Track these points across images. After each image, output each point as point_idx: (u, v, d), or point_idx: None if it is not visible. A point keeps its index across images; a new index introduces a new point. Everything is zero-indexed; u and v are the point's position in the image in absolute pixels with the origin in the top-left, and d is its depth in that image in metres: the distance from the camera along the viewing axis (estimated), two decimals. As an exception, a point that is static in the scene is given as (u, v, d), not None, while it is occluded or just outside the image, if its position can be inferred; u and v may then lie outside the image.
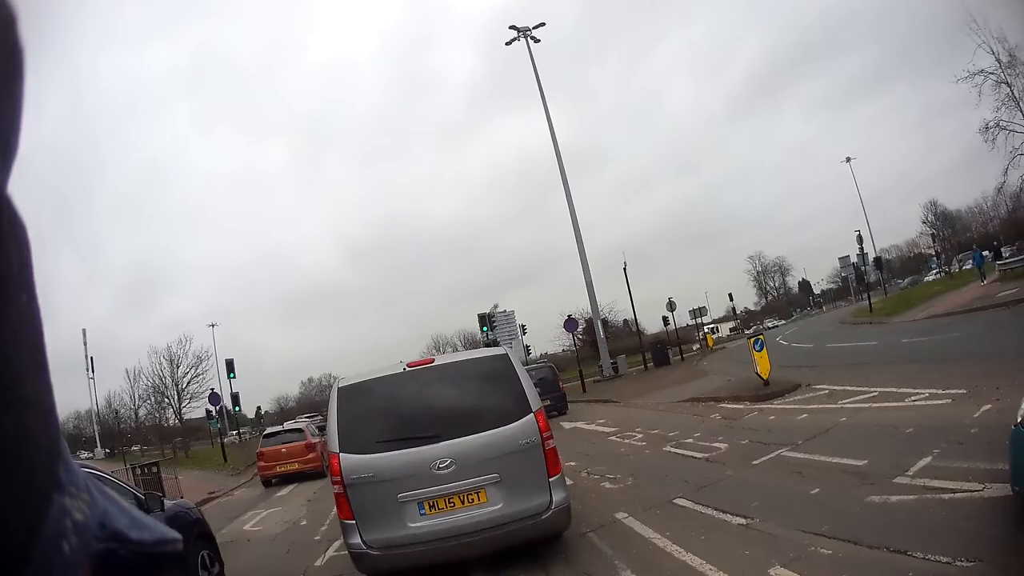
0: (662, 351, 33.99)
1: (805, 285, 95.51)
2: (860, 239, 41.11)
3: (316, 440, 15.94)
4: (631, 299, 34.93)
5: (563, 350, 63.63)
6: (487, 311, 34.86)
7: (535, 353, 56.21)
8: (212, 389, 34.05)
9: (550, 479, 4.99)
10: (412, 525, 4.80)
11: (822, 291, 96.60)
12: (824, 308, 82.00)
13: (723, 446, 8.77)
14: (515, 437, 4.97)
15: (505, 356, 5.50)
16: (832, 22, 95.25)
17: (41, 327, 0.40)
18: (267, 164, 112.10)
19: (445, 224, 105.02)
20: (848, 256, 53.98)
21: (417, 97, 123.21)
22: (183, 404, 38.84)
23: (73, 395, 41.29)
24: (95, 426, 45.46)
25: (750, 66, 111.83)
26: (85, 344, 41.53)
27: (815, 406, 10.20)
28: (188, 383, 40.84)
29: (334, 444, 4.96)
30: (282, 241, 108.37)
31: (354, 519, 4.85)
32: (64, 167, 79.14)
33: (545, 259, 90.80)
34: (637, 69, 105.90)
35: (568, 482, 5.76)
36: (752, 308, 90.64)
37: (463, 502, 4.83)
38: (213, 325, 57.84)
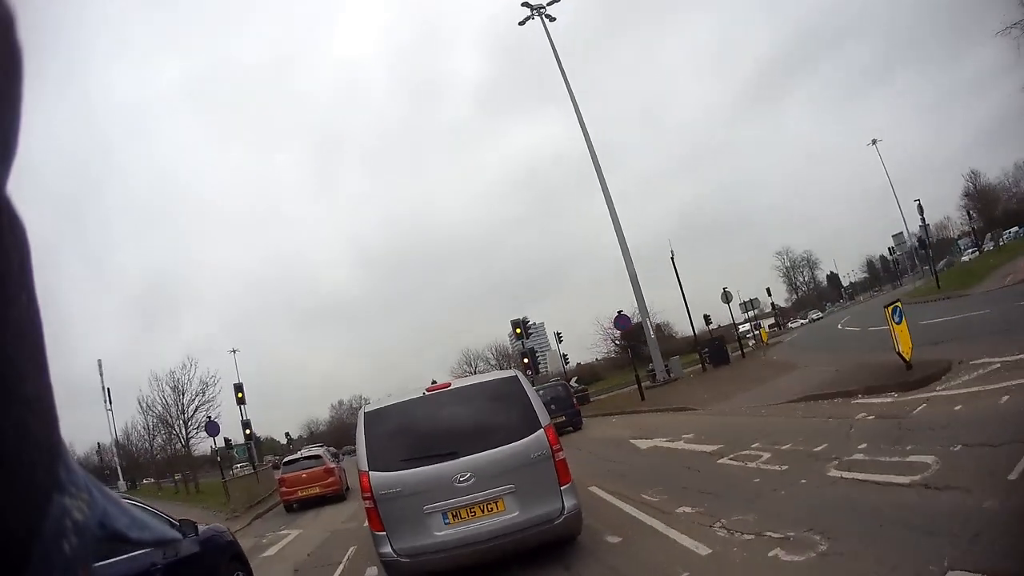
0: (720, 349, 30.74)
1: (834, 278, 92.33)
2: (921, 208, 37.36)
3: (334, 465, 17.00)
4: (682, 292, 31.66)
5: (596, 359, 60.76)
6: (520, 317, 31.99)
7: (572, 363, 53.43)
8: (209, 416, 30.88)
9: (561, 487, 5.46)
10: (438, 534, 5.25)
11: (851, 283, 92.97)
12: (860, 298, 77.76)
13: (929, 459, 5.73)
14: (528, 451, 5.45)
15: (515, 378, 6.02)
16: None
17: (41, 327, 0.40)
18: (281, 173, 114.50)
19: (463, 229, 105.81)
20: (901, 233, 50.68)
21: (429, 103, 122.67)
22: (190, 434, 36.32)
23: (97, 425, 39.35)
24: (116, 458, 43.36)
25: (760, 61, 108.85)
26: (101, 375, 38.85)
27: (1005, 384, 7.42)
28: (195, 411, 38.45)
29: (363, 463, 5.46)
30: (303, 255, 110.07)
31: (384, 530, 5.32)
32: (77, 177, 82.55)
33: (570, 265, 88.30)
34: (647, 67, 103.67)
35: (702, 550, 5.18)
36: (782, 304, 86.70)
37: (483, 511, 5.29)
38: (234, 351, 56.22)
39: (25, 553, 0.36)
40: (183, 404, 38.39)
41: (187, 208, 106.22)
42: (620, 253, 28.77)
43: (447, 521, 5.31)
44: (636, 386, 31.61)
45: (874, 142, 56.71)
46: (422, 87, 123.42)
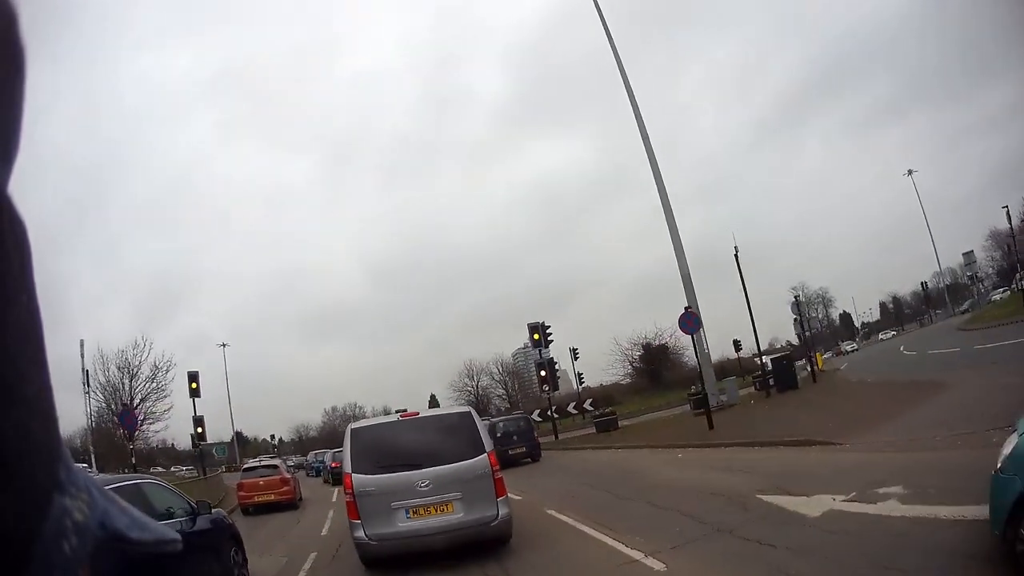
0: (788, 370, 24.20)
1: (846, 317, 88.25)
2: (1008, 215, 31.19)
3: (289, 476, 17.60)
4: (746, 297, 24.79)
5: (604, 384, 54.21)
6: (539, 321, 25.63)
7: (588, 381, 47.10)
8: (125, 405, 24.98)
9: (498, 499, 6.81)
10: (400, 525, 6.65)
11: (863, 323, 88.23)
12: (881, 336, 74.20)
13: None
14: (474, 469, 6.79)
15: (469, 413, 7.48)
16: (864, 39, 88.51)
17: (41, 327, 0.40)
18: (291, 177, 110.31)
19: (473, 246, 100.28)
20: (971, 251, 44.73)
21: (445, 118, 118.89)
22: (139, 426, 29.88)
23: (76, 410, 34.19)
24: (90, 445, 37.24)
25: (776, 91, 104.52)
26: (82, 356, 33.04)
27: None
28: (142, 400, 31.56)
29: (348, 467, 6.88)
30: (304, 258, 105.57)
31: (360, 519, 6.70)
32: (83, 175, 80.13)
33: (579, 288, 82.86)
34: (665, 94, 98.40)
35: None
36: (793, 342, 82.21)
37: (436, 511, 6.68)
38: (224, 345, 51.64)
39: (25, 553, 0.36)
40: (130, 389, 32.43)
41: (195, 208, 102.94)
42: (625, 280, 22.53)
43: (408, 516, 6.68)
44: (692, 409, 25.34)
45: (909, 172, 52.76)
46: (440, 101, 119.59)
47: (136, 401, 30.84)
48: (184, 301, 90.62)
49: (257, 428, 73.05)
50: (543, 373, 26.99)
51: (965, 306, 59.07)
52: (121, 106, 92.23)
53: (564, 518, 8.50)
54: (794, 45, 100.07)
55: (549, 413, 29.65)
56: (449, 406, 11.69)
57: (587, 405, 36.33)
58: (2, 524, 0.35)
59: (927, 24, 68.67)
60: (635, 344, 51.34)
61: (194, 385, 25.06)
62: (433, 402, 66.97)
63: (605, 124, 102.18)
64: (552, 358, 28.64)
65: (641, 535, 6.71)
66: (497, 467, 6.94)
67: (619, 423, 26.00)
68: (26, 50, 0.36)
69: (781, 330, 75.04)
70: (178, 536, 0.52)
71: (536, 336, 26.51)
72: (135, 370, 32.80)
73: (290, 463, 27.32)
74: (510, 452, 18.80)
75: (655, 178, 23.02)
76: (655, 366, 51.50)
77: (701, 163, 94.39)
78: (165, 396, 32.83)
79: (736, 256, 24.48)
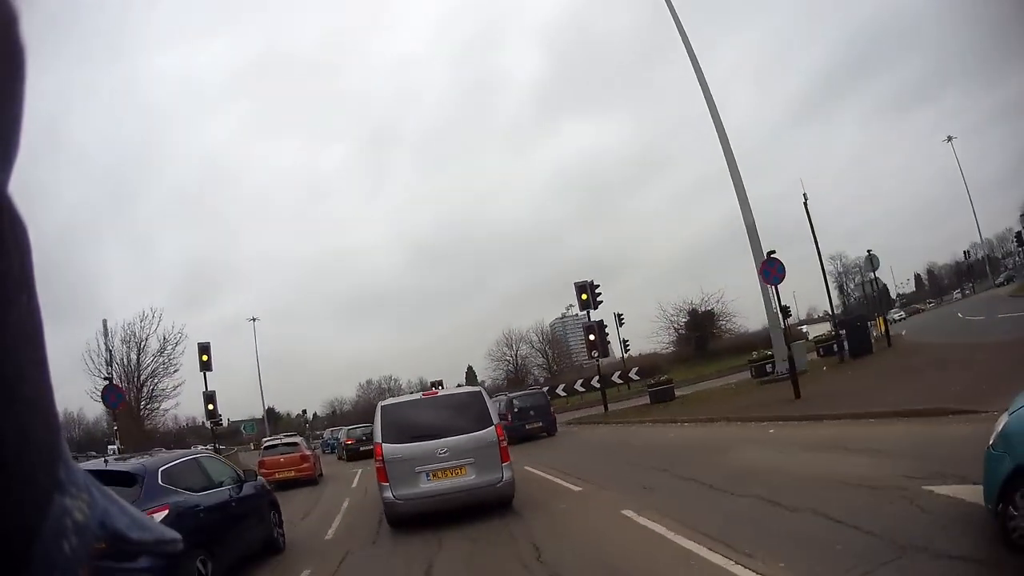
0: (862, 333, 21.56)
1: (883, 288, 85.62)
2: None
3: (309, 452, 18.17)
4: (817, 250, 22.02)
5: (648, 352, 51.89)
6: (587, 280, 23.37)
7: (634, 350, 45.10)
8: (108, 379, 22.83)
9: (503, 464, 7.94)
10: (423, 486, 7.78)
11: (898, 293, 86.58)
12: (921, 306, 71.23)
13: None
14: (484, 438, 7.94)
15: (479, 392, 8.73)
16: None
17: (41, 327, 0.40)
18: (329, 162, 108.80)
19: (510, 225, 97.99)
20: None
21: (484, 99, 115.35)
22: (144, 404, 28.26)
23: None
24: (114, 423, 36.60)
25: (811, 71, 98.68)
26: (106, 336, 30.89)
27: None
28: (151, 374, 29.69)
29: (378, 437, 8.00)
30: (344, 241, 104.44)
31: (388, 482, 7.81)
32: (123, 163, 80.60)
33: (616, 262, 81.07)
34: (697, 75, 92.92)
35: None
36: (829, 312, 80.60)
37: (452, 474, 7.81)
38: (254, 319, 50.44)
39: (25, 553, 0.36)
40: (137, 364, 30.26)
41: (234, 196, 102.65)
42: (665, 254, 19.83)
43: (429, 478, 7.80)
44: (753, 377, 23.26)
45: (949, 139, 49.85)
46: (477, 82, 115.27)
47: (143, 377, 29.01)
48: (223, 287, 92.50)
49: (296, 404, 73.80)
50: (591, 337, 24.24)
51: (1001, 278, 58.76)
52: (155, 98, 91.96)
53: (653, 527, 6.08)
54: (828, 27, 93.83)
55: (597, 381, 27.63)
56: (463, 386, 12.51)
57: (633, 374, 34.36)
58: (2, 524, 0.35)
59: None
60: (680, 310, 48.74)
61: (205, 357, 23.18)
62: (470, 374, 66.94)
63: (642, 101, 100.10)
64: (602, 320, 25.75)
65: (782, 559, 4.56)
66: (503, 437, 8.15)
67: (675, 393, 23.71)
68: (26, 50, 0.36)
69: (818, 298, 72.38)
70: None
71: (584, 296, 23.82)
72: (143, 343, 30.63)
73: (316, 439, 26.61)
74: (527, 427, 19.37)
75: (715, 123, 20.44)
76: (702, 333, 48.85)
77: (737, 143, 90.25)
78: (175, 370, 30.85)
79: (805, 204, 21.82)
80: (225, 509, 6.63)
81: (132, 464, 6.19)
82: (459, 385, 18.03)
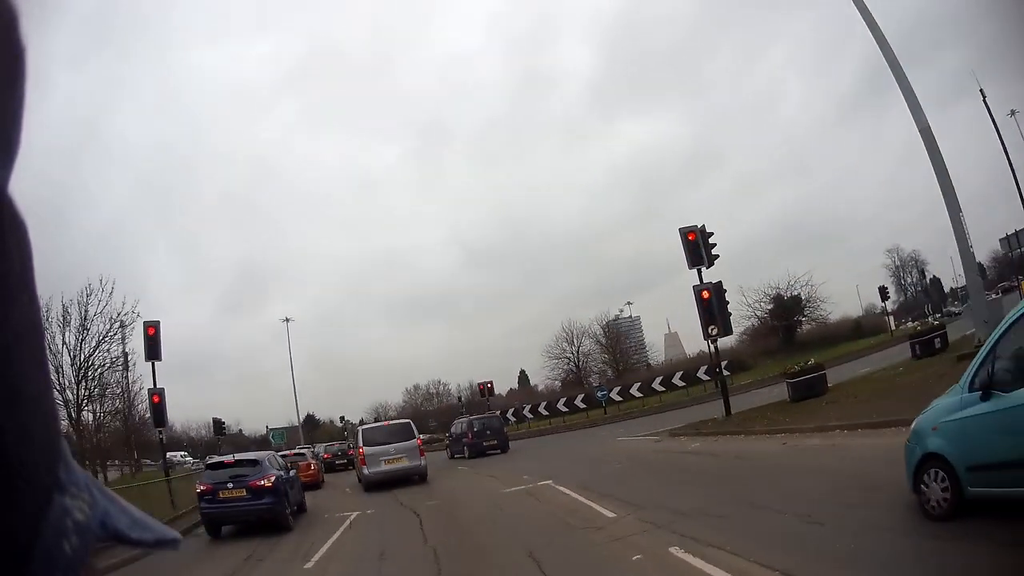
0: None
1: (936, 282, 79.32)
2: None
3: (313, 461, 23.93)
4: (1007, 155, 15.98)
5: (724, 346, 45.65)
6: (697, 224, 17.20)
7: (687, 350, 39.28)
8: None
9: (421, 458, 17.02)
10: (382, 468, 16.69)
11: (951, 288, 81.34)
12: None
13: None
14: (411, 444, 17.04)
15: (409, 423, 18.97)
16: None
17: (42, 327, 0.40)
18: (381, 161, 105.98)
19: (563, 224, 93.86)
20: None
21: (538, 96, 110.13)
22: (83, 396, 21.65)
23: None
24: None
25: (860, 64, 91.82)
26: (123, 340, 24.08)
27: None
28: (90, 360, 21.94)
29: (360, 443, 17.74)
30: (396, 241, 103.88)
31: (365, 465, 17.04)
32: (168, 163, 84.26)
33: (662, 264, 76.02)
34: (750, 68, 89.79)
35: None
36: (889, 307, 75.27)
37: (396, 462, 16.75)
38: (287, 320, 48.41)
39: (26, 553, 0.36)
40: (74, 350, 21.94)
41: (283, 196, 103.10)
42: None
43: (385, 464, 16.62)
44: (916, 357, 17.64)
45: (1012, 113, 42.54)
46: (530, 79, 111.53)
47: (80, 361, 21.87)
48: (271, 288, 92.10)
49: (343, 410, 70.25)
50: (706, 295, 17.25)
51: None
52: (203, 98, 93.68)
53: None
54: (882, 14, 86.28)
55: (717, 370, 21.93)
56: (400, 419, 24.02)
57: (723, 369, 28.61)
58: (2, 524, 0.35)
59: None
60: (764, 296, 42.53)
61: (151, 333, 17.34)
62: (523, 377, 65.81)
63: (694, 98, 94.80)
64: (720, 282, 18.19)
65: None
66: (421, 443, 17.33)
67: (828, 382, 17.15)
68: (27, 50, 0.36)
69: (870, 293, 67.35)
70: (178, 536, 0.52)
71: (693, 239, 17.33)
72: (87, 325, 22.14)
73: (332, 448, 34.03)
74: (484, 444, 24.38)
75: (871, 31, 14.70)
76: (789, 322, 42.39)
77: (785, 141, 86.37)
78: (115, 366, 23.86)
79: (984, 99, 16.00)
80: (288, 480, 12.96)
81: (255, 454, 13.73)
82: (399, 419, 28.51)
